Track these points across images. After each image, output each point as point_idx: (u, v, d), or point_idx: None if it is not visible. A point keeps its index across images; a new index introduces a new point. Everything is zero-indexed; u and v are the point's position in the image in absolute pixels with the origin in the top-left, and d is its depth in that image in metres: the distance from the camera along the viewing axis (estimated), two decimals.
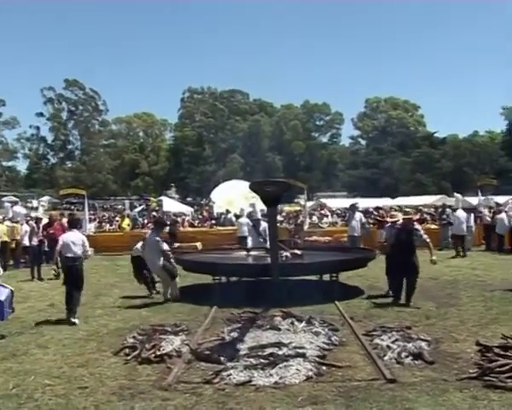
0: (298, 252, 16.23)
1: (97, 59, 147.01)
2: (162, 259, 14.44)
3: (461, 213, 26.44)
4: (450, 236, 27.07)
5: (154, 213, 39.43)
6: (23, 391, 7.65)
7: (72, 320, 12.22)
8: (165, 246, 14.62)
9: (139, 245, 15.58)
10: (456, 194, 36.13)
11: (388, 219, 16.37)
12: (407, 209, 16.57)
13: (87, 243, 13.21)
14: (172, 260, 14.74)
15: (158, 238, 14.62)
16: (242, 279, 15.95)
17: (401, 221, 14.25)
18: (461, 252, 23.98)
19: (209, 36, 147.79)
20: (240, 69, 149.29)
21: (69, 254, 12.78)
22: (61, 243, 12.92)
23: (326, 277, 15.43)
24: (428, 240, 13.94)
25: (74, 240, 12.87)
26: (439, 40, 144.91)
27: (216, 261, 15.73)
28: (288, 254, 15.62)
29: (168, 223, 18.28)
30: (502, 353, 8.35)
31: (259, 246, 17.97)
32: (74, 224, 14.35)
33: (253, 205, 21.28)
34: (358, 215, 24.08)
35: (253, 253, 17.71)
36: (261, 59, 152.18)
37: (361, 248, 20.53)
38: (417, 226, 14.46)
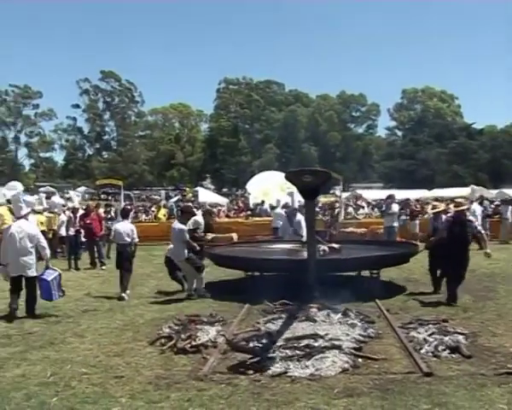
0: (335, 246, 15.30)
1: (133, 50, 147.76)
2: (186, 250, 13.84)
3: (475, 207, 25.36)
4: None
5: (189, 204, 39.54)
6: (60, 379, 7.72)
7: (122, 295, 13.97)
8: (188, 236, 13.87)
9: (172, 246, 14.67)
10: (473, 186, 35.51)
11: (429, 211, 16.08)
12: (458, 200, 15.57)
13: (135, 232, 14.77)
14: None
15: (182, 227, 13.95)
16: (276, 275, 14.43)
17: (452, 213, 13.50)
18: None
19: (245, 26, 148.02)
20: (276, 60, 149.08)
21: (120, 242, 14.53)
22: (113, 232, 15.12)
23: (365, 272, 14.65)
24: (483, 232, 13.42)
25: (125, 229, 14.57)
26: (476, 29, 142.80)
27: (249, 256, 15.20)
28: (325, 248, 14.79)
29: (195, 211, 17.04)
30: None
31: (293, 239, 17.19)
32: (125, 214, 15.86)
33: (291, 194, 21.02)
34: (395, 206, 23.96)
35: (288, 246, 16.71)
36: (297, 49, 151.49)
37: (402, 243, 19.79)
38: (471, 218, 13.85)
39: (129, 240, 14.54)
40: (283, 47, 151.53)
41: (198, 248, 14.04)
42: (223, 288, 14.83)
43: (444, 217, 13.97)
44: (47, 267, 12.27)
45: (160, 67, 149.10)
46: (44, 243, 12.35)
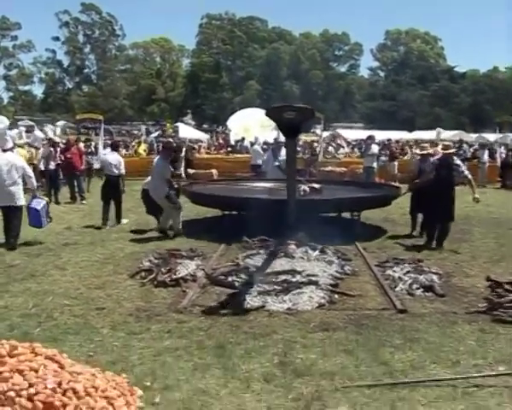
0: (316, 186, 15.07)
1: None
2: (167, 187, 13.62)
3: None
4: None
5: (170, 139, 39.42)
6: (42, 311, 7.86)
7: (122, 221, 15.30)
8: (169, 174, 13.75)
9: (150, 179, 14.35)
10: (438, 128, 35.58)
11: (418, 152, 15.94)
12: (446, 143, 15.26)
13: (123, 164, 15.56)
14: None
15: (165, 164, 13.75)
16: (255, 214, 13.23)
17: (440, 155, 13.17)
18: None
19: None
20: None
21: (107, 172, 15.44)
22: (101, 163, 16.32)
23: (346, 214, 14.95)
24: (470, 176, 12.92)
25: (112, 161, 15.39)
26: None
27: (226, 194, 14.79)
28: (306, 188, 14.59)
29: (176, 148, 17.15)
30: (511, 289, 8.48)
31: (277, 177, 16.50)
32: (114, 146, 16.81)
33: (276, 128, 20.86)
34: (375, 147, 24.14)
35: (268, 184, 16.27)
36: None
37: (384, 185, 19.70)
38: (458, 161, 13.31)
39: (116, 172, 15.22)
40: None
41: (176, 185, 14.11)
42: (199, 226, 14.65)
43: (431, 159, 13.61)
44: (34, 196, 12.66)
45: (142, 1, 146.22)
46: (31, 173, 12.68)
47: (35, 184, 12.80)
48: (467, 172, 12.86)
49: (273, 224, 11.42)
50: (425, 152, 14.40)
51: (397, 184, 19.45)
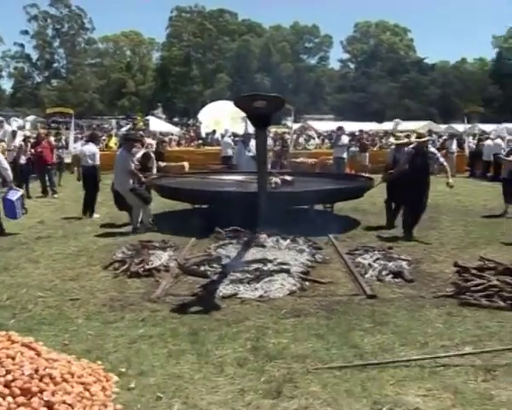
0: (288, 178, 14.82)
1: None
2: (131, 180, 13.24)
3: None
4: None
5: (141, 133, 39.34)
6: (17, 303, 7.89)
7: (95, 216, 15.13)
8: (133, 166, 13.35)
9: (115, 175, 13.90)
10: (395, 119, 35.95)
11: (393, 141, 15.65)
12: (420, 131, 15.03)
13: (97, 156, 15.56)
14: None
15: (126, 155, 13.27)
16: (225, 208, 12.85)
17: (414, 144, 12.95)
18: None
19: None
20: None
21: (83, 164, 15.47)
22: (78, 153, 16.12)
23: (318, 206, 14.73)
24: (445, 163, 12.97)
25: (86, 151, 15.49)
26: None
27: (196, 188, 14.60)
28: (277, 180, 14.28)
29: (139, 139, 15.86)
30: (478, 273, 8.71)
31: (249, 170, 16.30)
32: (91, 138, 16.98)
33: (245, 119, 20.82)
34: (345, 138, 24.36)
35: (239, 177, 16.02)
36: None
37: (357, 176, 19.33)
38: (433, 149, 13.45)
39: (91, 162, 15.22)
40: None
41: (143, 179, 13.60)
42: (170, 220, 14.43)
43: (405, 149, 13.38)
44: (10, 188, 12.74)
45: None
46: (6, 164, 12.74)
47: (11, 175, 12.92)
48: (442, 160, 12.98)
49: (244, 217, 11.27)
50: (399, 142, 14.36)
51: (368, 174, 19.63)
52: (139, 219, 13.27)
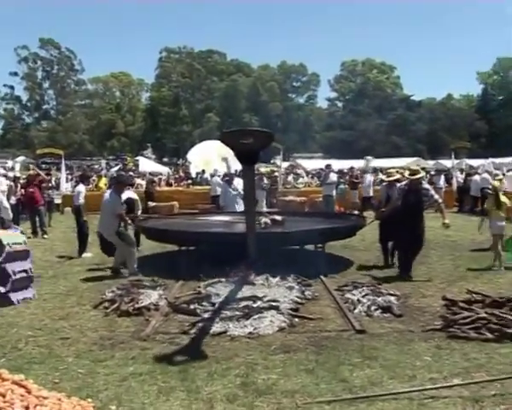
0: (278, 218, 14.37)
1: (73, 17, 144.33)
2: (118, 223, 12.92)
3: (369, 177, 27.95)
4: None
5: (131, 173, 39.50)
6: (7, 342, 7.91)
7: (85, 255, 15.20)
8: (122, 209, 13.13)
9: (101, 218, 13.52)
10: (367, 157, 36.13)
11: (385, 179, 15.27)
12: (413, 167, 14.08)
13: (81, 195, 15.97)
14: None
15: (116, 198, 12.95)
16: (213, 250, 13.02)
17: (407, 181, 12.61)
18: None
19: None
20: (217, 29, 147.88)
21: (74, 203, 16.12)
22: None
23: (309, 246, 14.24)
24: (440, 200, 12.74)
25: (75, 192, 16.24)
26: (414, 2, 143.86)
27: (182, 229, 14.16)
28: (267, 220, 13.88)
29: (129, 181, 16.33)
30: (466, 306, 8.78)
31: (235, 210, 16.48)
32: (80, 178, 18.30)
33: (225, 159, 20.86)
34: (333, 176, 24.53)
35: (227, 218, 15.73)
36: (239, 19, 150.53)
37: (349, 214, 19.39)
38: (427, 186, 12.90)
39: (76, 202, 15.85)
40: (225, 17, 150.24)
41: (130, 222, 13.55)
42: (156, 262, 14.24)
43: (397, 185, 13.14)
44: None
45: (101, 35, 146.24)
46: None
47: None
48: (437, 197, 12.57)
49: (232, 259, 11.08)
50: (392, 178, 14.07)
51: (358, 212, 19.74)
52: (121, 262, 12.94)
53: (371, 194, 26.36)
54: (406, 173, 13.25)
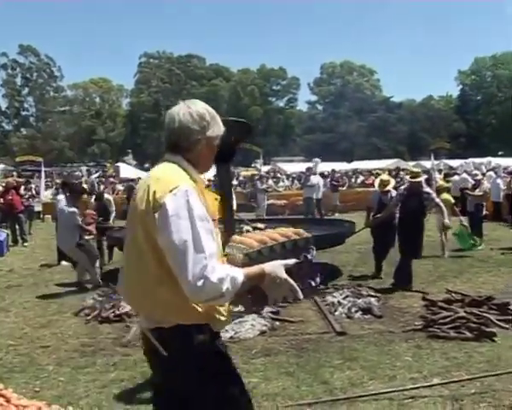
0: (261, 226, 13.10)
1: (52, 23, 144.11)
2: (77, 235, 12.00)
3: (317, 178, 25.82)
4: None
5: (112, 179, 39.42)
6: None
7: (64, 263, 14.30)
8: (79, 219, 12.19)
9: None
10: (315, 158, 36.25)
11: (376, 185, 13.63)
12: (415, 169, 13.48)
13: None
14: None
15: (73, 209, 11.93)
16: None
17: (406, 185, 12.10)
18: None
19: None
20: (196, 34, 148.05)
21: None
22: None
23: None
24: (441, 204, 11.92)
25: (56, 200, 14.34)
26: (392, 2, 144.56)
27: None
28: (249, 228, 12.55)
29: (85, 190, 15.23)
30: (445, 306, 8.87)
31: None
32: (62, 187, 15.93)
33: None
34: (314, 178, 24.57)
35: None
36: (217, 22, 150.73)
37: (337, 220, 18.17)
38: (427, 189, 12.09)
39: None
40: (204, 20, 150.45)
41: (94, 232, 12.91)
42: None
43: (394, 192, 12.42)
44: None
45: (80, 41, 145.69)
46: None
47: None
48: (438, 200, 11.91)
49: None
50: (386, 189, 12.64)
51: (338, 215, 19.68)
52: (85, 276, 12.29)
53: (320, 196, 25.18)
54: (407, 177, 12.83)
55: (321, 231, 13.30)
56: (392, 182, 13.19)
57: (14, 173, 34.57)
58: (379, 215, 12.32)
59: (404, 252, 11.41)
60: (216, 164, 7.14)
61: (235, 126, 7.91)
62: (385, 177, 13.69)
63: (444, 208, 11.98)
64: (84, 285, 11.98)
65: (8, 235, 13.17)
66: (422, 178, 12.02)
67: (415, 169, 12.85)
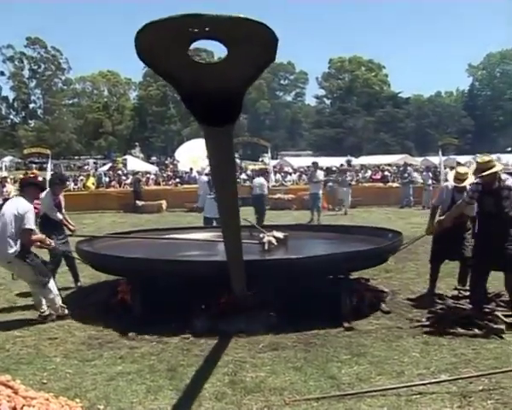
0: (280, 235, 10.52)
1: (60, 15, 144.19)
2: (19, 243, 8.54)
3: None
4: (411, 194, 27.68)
5: (119, 172, 39.43)
6: None
7: None
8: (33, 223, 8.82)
9: None
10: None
11: (450, 179, 11.20)
12: (485, 157, 8.59)
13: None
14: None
15: (25, 208, 8.59)
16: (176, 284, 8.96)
17: (477, 180, 8.65)
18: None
19: None
20: None
21: None
22: None
23: None
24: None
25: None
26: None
27: (129, 256, 9.29)
28: (271, 239, 10.25)
29: (42, 183, 10.82)
30: (454, 302, 8.80)
31: (214, 216, 13.89)
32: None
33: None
34: (320, 174, 24.49)
35: (207, 235, 12.18)
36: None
37: (373, 228, 12.71)
38: (510, 182, 8.37)
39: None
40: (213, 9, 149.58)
41: (50, 243, 9.49)
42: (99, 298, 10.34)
43: (468, 187, 9.14)
44: None
45: (88, 34, 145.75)
46: None
47: None
48: None
49: (201, 302, 8.58)
50: (462, 185, 9.63)
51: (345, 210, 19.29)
52: (43, 301, 9.07)
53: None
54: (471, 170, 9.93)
55: (357, 246, 10.06)
56: (471, 176, 9.52)
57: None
58: (441, 218, 9.83)
59: (483, 264, 8.58)
60: (201, 126, 4.46)
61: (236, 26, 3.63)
62: (462, 169, 10.34)
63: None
64: (46, 314, 8.99)
65: None
66: (496, 170, 8.36)
67: (485, 157, 8.53)
